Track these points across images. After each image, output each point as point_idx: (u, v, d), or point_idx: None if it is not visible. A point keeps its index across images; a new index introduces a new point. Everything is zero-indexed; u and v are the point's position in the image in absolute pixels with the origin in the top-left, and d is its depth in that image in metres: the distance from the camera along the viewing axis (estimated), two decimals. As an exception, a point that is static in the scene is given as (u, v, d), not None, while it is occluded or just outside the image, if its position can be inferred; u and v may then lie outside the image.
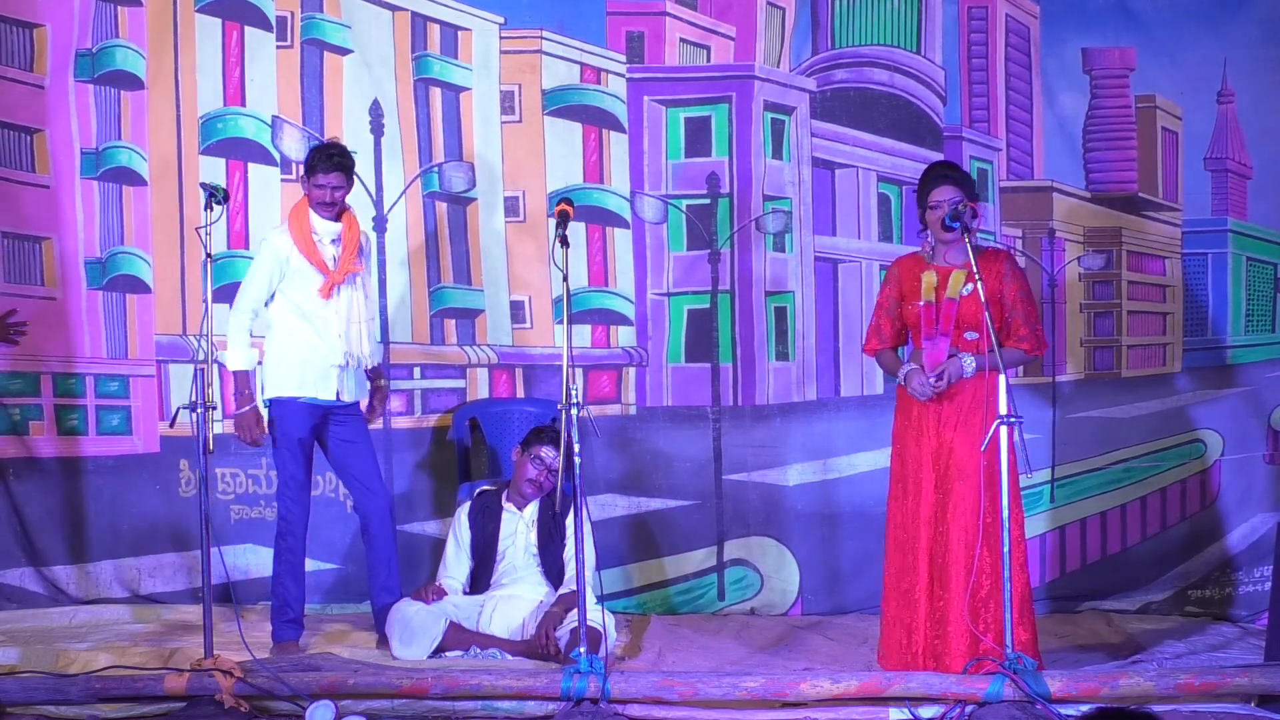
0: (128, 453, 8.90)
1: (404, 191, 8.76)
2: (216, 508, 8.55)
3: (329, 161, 7.46)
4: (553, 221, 8.56)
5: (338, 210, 7.55)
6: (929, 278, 6.85)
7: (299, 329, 7.53)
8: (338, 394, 7.59)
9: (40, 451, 8.88)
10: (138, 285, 8.88)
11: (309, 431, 7.59)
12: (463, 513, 7.91)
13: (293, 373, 7.52)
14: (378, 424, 8.03)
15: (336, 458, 7.78)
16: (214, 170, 8.81)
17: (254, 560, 8.74)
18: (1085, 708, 6.12)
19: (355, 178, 7.65)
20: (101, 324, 8.87)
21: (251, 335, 7.56)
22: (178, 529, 8.86)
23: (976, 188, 6.98)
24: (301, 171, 7.69)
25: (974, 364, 6.74)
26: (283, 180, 8.86)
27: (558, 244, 6.74)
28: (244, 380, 7.54)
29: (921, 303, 6.85)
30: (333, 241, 7.55)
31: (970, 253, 6.48)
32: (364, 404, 7.82)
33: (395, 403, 8.65)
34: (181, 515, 8.85)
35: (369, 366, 7.80)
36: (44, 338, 8.73)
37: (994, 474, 6.55)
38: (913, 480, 6.89)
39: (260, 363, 7.62)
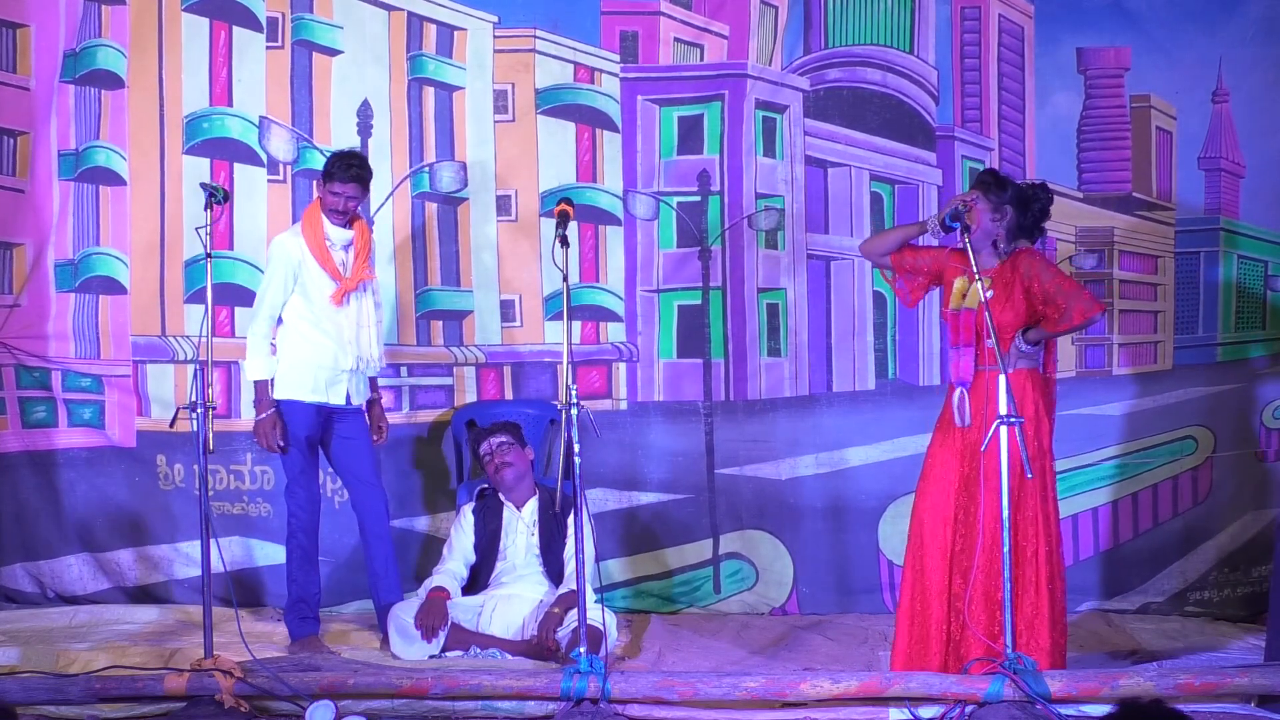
0: (102, 445, 8.91)
1: (391, 193, 8.75)
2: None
3: (347, 172, 7.52)
4: (545, 220, 8.64)
5: (349, 218, 7.60)
6: (960, 284, 6.85)
7: (310, 333, 7.59)
8: (348, 398, 7.69)
9: (8, 445, 8.90)
10: (112, 286, 8.85)
11: (316, 431, 7.67)
12: (468, 509, 7.98)
13: (305, 377, 7.59)
14: (384, 438, 8.05)
15: (336, 455, 7.84)
16: (198, 170, 8.78)
17: (240, 553, 8.77)
18: (1087, 707, 6.18)
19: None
20: (70, 327, 8.84)
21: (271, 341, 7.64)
22: (159, 522, 8.87)
23: (1012, 195, 6.93)
24: (319, 176, 7.71)
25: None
26: (269, 181, 8.83)
27: (557, 244, 6.77)
28: (263, 389, 7.59)
29: (950, 309, 6.88)
30: (344, 248, 7.60)
31: (970, 255, 6.52)
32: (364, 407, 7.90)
33: (385, 399, 8.65)
34: (163, 508, 8.87)
35: (373, 373, 7.87)
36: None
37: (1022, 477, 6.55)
38: (937, 480, 6.90)
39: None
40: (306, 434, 7.62)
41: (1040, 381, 6.91)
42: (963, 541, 6.76)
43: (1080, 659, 7.37)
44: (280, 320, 7.65)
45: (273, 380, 7.61)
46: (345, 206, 7.57)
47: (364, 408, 7.87)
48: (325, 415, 7.70)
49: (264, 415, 7.57)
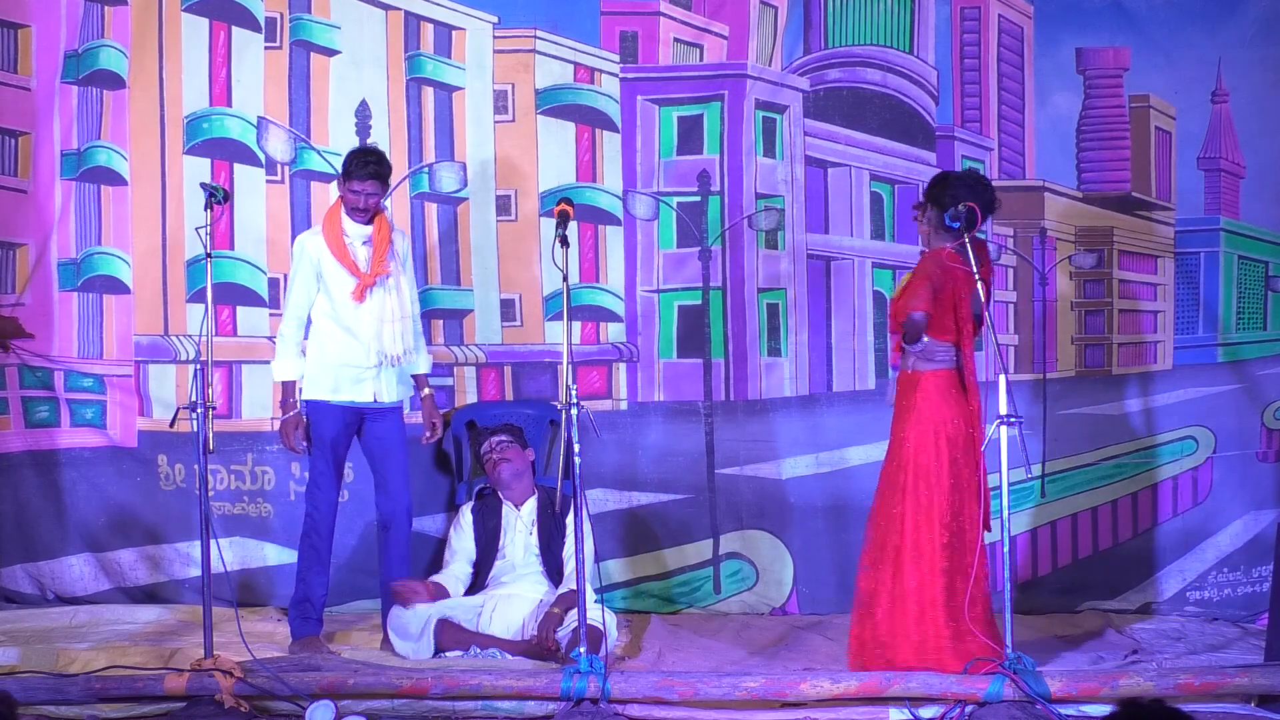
0: (103, 445, 8.90)
1: (390, 192, 8.72)
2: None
3: (364, 169, 7.53)
4: (546, 220, 8.64)
5: (370, 214, 7.60)
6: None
7: (333, 331, 7.61)
8: (375, 396, 7.66)
9: (10, 445, 8.89)
10: (115, 286, 8.84)
11: (341, 433, 7.67)
12: (466, 509, 8.00)
13: (327, 376, 7.60)
14: (437, 436, 8.07)
15: (369, 453, 7.85)
16: (199, 170, 8.77)
17: (241, 553, 8.75)
18: (1087, 707, 6.19)
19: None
20: (74, 326, 8.84)
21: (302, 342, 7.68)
22: (160, 522, 8.85)
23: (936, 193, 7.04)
24: (339, 175, 7.72)
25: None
26: (268, 182, 8.83)
27: (557, 244, 6.78)
28: (289, 390, 7.63)
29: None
30: (364, 244, 7.61)
31: (970, 253, 6.61)
32: (408, 405, 7.96)
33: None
34: (164, 508, 8.85)
35: (419, 370, 7.91)
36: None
37: (959, 475, 6.71)
38: (888, 479, 7.08)
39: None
40: (331, 436, 7.62)
41: (938, 383, 6.93)
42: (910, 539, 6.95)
43: (1081, 659, 7.38)
44: (305, 321, 7.66)
45: (301, 381, 7.63)
46: (365, 204, 7.57)
47: (401, 405, 7.87)
48: (356, 414, 7.70)
49: (287, 415, 7.60)
